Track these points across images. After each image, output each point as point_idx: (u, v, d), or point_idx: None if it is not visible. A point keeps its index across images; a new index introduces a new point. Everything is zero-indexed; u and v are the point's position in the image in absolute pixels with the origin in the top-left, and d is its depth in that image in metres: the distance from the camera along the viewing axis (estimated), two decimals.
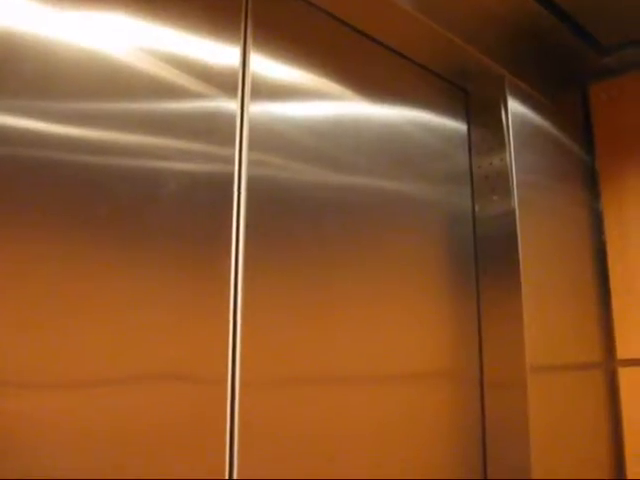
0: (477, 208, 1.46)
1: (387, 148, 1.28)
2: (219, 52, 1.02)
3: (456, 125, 1.49)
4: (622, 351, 1.58)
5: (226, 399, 0.93)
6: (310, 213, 1.11)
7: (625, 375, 1.57)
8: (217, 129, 1.00)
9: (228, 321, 0.96)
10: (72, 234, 0.81)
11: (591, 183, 1.68)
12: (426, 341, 1.28)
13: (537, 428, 1.31)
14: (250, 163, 1.03)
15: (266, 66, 1.09)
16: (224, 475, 0.91)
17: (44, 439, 0.76)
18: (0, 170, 0.76)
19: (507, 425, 1.33)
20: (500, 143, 1.44)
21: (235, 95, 1.03)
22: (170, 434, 0.87)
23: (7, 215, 0.76)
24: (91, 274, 0.82)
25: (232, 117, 1.02)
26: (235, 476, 0.92)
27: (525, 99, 1.51)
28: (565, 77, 1.68)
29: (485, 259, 1.42)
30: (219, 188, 0.98)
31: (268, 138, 1.07)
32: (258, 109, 1.06)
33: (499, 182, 1.42)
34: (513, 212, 1.39)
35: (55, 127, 0.82)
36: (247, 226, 1.00)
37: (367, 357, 1.15)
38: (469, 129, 1.51)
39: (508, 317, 1.36)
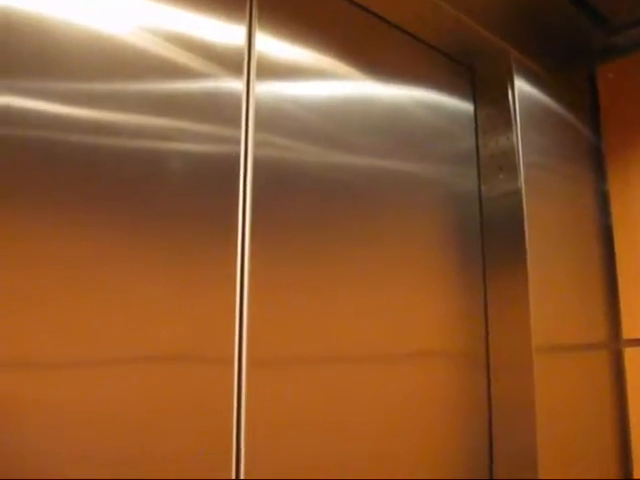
0: (483, 187, 1.46)
1: (393, 127, 1.28)
2: (224, 31, 1.02)
3: (462, 104, 1.48)
4: (628, 331, 1.58)
5: (233, 379, 0.94)
6: (316, 193, 1.11)
7: (631, 355, 1.56)
8: (223, 109, 0.99)
9: (235, 301, 0.96)
10: (77, 215, 0.81)
11: (597, 163, 1.67)
12: (432, 322, 1.28)
13: (543, 408, 1.31)
14: (256, 143, 1.03)
15: (272, 45, 1.08)
16: (231, 454, 0.92)
17: (49, 419, 0.76)
18: (2, 151, 0.76)
19: (513, 405, 1.33)
20: (506, 122, 1.43)
21: (241, 75, 1.03)
22: (177, 414, 0.87)
23: (11, 196, 0.76)
24: (97, 255, 0.82)
25: (238, 97, 1.02)
26: (242, 455, 0.93)
27: (532, 78, 1.49)
28: (572, 56, 1.67)
29: (491, 239, 1.42)
30: (225, 168, 0.98)
31: (274, 118, 1.06)
32: (264, 89, 1.06)
33: (505, 161, 1.42)
34: (519, 191, 1.38)
35: (58, 107, 0.81)
36: (253, 206, 1.00)
37: (373, 337, 1.16)
38: (475, 108, 1.50)
39: (514, 298, 1.36)
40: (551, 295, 1.40)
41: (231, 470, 0.92)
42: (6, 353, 0.74)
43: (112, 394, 0.81)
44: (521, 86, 1.45)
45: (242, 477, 0.92)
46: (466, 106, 1.49)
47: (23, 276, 0.76)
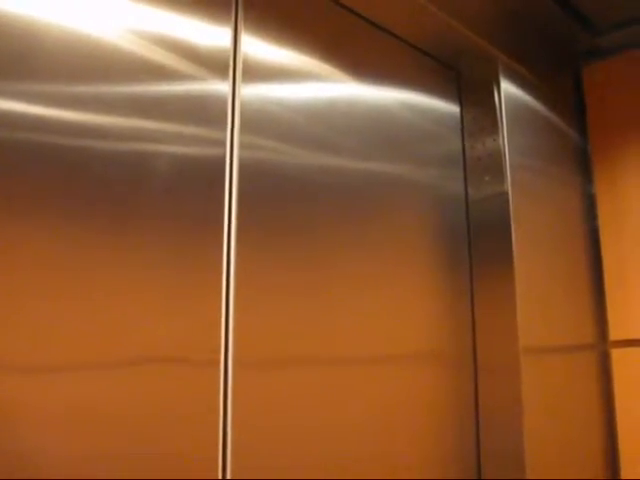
0: (470, 190, 1.46)
1: (379, 129, 1.28)
2: (210, 33, 1.01)
3: (448, 106, 1.48)
4: (615, 332, 1.58)
5: (219, 381, 0.94)
6: (302, 195, 1.11)
7: (618, 356, 1.57)
8: (208, 111, 0.99)
9: (221, 304, 0.96)
10: (61, 218, 0.81)
11: (584, 165, 1.68)
12: (419, 323, 1.29)
13: (531, 409, 1.31)
14: (242, 145, 1.02)
15: (257, 47, 1.08)
16: (217, 457, 0.92)
17: (35, 423, 0.76)
18: None
19: (501, 406, 1.34)
20: (492, 124, 1.43)
21: (226, 77, 1.02)
22: (164, 416, 0.87)
23: None
24: (81, 258, 0.82)
25: (223, 99, 1.01)
26: (228, 458, 0.93)
27: (518, 80, 1.50)
28: (558, 58, 1.68)
29: (478, 241, 1.43)
30: (211, 170, 0.98)
31: (260, 120, 1.06)
32: (249, 91, 1.05)
33: (491, 163, 1.42)
34: (506, 193, 1.39)
35: (44, 110, 0.81)
36: (239, 208, 1.00)
37: (359, 339, 1.16)
38: (461, 110, 1.51)
39: (501, 299, 1.36)
40: (538, 297, 1.41)
41: (217, 470, 0.91)
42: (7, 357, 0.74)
43: (98, 396, 0.81)
44: (507, 88, 1.46)
45: (228, 477, 0.92)
46: (452, 108, 1.49)
47: (8, 280, 0.75)
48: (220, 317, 0.95)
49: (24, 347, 0.76)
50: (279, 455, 1.00)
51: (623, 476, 1.52)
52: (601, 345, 1.59)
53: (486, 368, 1.38)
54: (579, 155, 1.68)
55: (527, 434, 1.29)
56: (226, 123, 1.01)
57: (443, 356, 1.33)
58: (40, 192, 0.79)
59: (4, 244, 0.76)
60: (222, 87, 1.01)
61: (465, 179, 1.47)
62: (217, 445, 0.92)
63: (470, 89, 1.50)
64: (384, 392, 1.18)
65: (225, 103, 1.02)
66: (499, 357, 1.35)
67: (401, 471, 1.19)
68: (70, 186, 0.82)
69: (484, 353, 1.38)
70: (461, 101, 1.51)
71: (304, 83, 1.15)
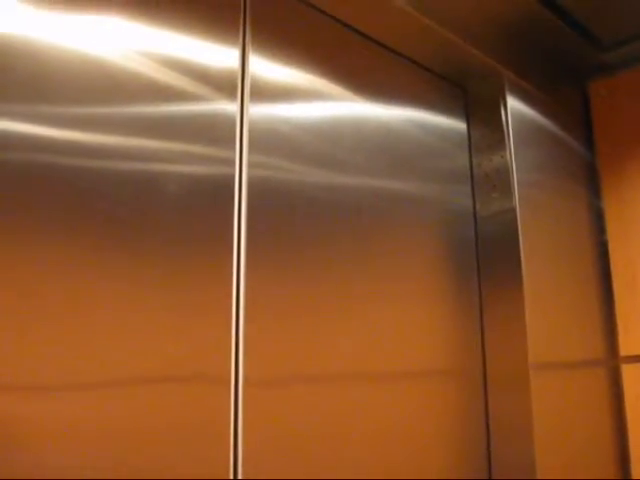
0: (478, 206, 1.47)
1: (386, 147, 1.29)
2: (218, 54, 1.03)
3: (455, 123, 1.49)
4: (625, 348, 1.58)
5: (230, 398, 0.94)
6: (311, 213, 1.11)
7: (628, 372, 1.56)
8: (217, 131, 1.00)
9: (231, 321, 0.96)
10: (72, 238, 0.82)
11: (592, 180, 1.68)
12: (428, 340, 1.28)
13: (541, 425, 1.31)
14: (250, 164, 1.03)
15: (265, 67, 1.10)
16: (228, 475, 0.92)
17: (45, 441, 0.76)
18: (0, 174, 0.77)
19: (511, 422, 1.33)
20: (500, 141, 1.44)
21: (235, 97, 1.03)
22: (174, 434, 0.87)
23: (7, 220, 0.77)
24: (93, 277, 0.83)
25: (232, 119, 1.02)
26: (240, 476, 0.93)
27: (524, 96, 1.51)
28: (564, 74, 1.68)
29: (487, 257, 1.43)
30: (220, 189, 0.99)
31: (268, 139, 1.07)
32: (258, 110, 1.06)
33: (499, 180, 1.43)
34: (514, 210, 1.39)
35: (52, 131, 0.82)
36: (248, 227, 1.01)
37: (369, 356, 1.16)
38: (468, 127, 1.51)
39: (510, 315, 1.36)
40: (547, 312, 1.41)
41: None
42: (8, 375, 0.74)
43: (109, 414, 0.81)
44: (514, 105, 1.47)
45: None
46: (459, 125, 1.50)
47: (22, 300, 0.76)
48: (230, 334, 0.96)
49: (36, 367, 0.76)
50: (290, 474, 1.00)
51: None
52: (611, 361, 1.58)
53: (496, 384, 1.37)
54: (587, 169, 1.68)
55: (538, 450, 1.28)
56: (235, 142, 1.02)
57: (453, 372, 1.33)
58: (47, 212, 0.80)
59: (10, 261, 0.76)
60: (231, 107, 1.02)
61: (473, 196, 1.47)
62: (228, 463, 0.92)
63: (477, 106, 1.51)
64: (395, 408, 1.18)
65: (234, 123, 1.03)
66: (509, 373, 1.35)
67: None
68: (78, 205, 0.83)
69: (494, 369, 1.38)
70: (468, 118, 1.52)
71: (312, 102, 1.16)
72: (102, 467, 0.80)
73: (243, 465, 0.93)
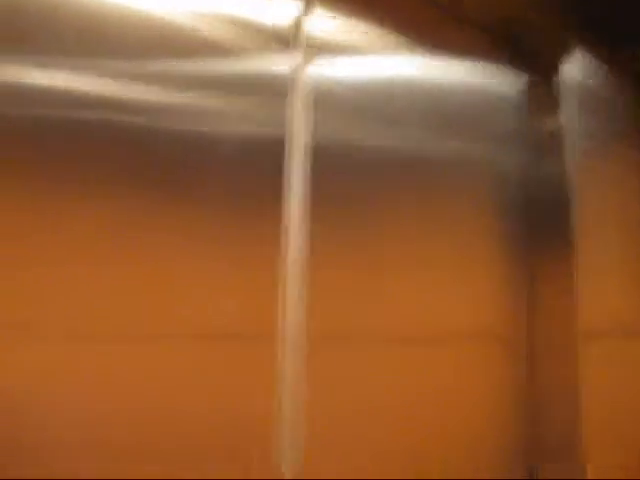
0: (530, 169, 1.44)
1: (440, 107, 1.27)
2: (275, 10, 1.02)
3: (511, 84, 1.46)
4: None
5: (277, 356, 0.95)
6: (366, 170, 1.11)
7: None
8: (272, 89, 0.99)
9: (279, 280, 0.97)
10: (129, 193, 0.83)
11: None
12: (477, 302, 1.27)
13: (587, 395, 1.29)
14: (305, 122, 1.03)
15: (323, 23, 1.08)
16: (271, 429, 0.93)
17: (100, 388, 0.78)
18: (54, 131, 0.78)
19: (556, 391, 1.32)
20: (555, 103, 1.41)
21: (291, 54, 1.02)
22: (218, 392, 0.88)
23: (59, 176, 0.78)
24: (146, 230, 0.84)
25: (288, 77, 1.02)
26: (285, 437, 0.94)
27: (583, 60, 1.47)
28: (624, 39, 1.63)
29: (537, 221, 1.40)
30: (274, 147, 0.99)
31: (323, 97, 1.06)
32: (314, 69, 1.05)
33: (553, 143, 1.40)
34: (567, 173, 1.36)
35: (105, 88, 0.82)
36: (303, 185, 1.01)
37: (419, 319, 1.16)
38: (524, 89, 1.48)
39: (560, 280, 1.34)
40: (598, 279, 1.38)
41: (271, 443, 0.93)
42: (66, 326, 0.76)
43: (158, 368, 0.83)
44: (571, 68, 1.43)
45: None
46: (515, 87, 1.47)
47: (80, 257, 0.78)
48: (277, 294, 0.96)
49: (93, 319, 0.78)
50: (333, 437, 1.01)
51: None
52: None
53: (543, 353, 1.36)
54: None
55: (583, 419, 1.27)
56: (290, 99, 1.02)
57: (501, 338, 1.32)
58: (107, 165, 0.81)
59: (74, 215, 0.78)
60: (287, 64, 1.02)
61: (526, 158, 1.45)
62: (272, 419, 0.93)
63: (533, 68, 1.48)
64: (444, 371, 1.18)
65: (289, 81, 1.02)
66: (556, 342, 1.33)
67: (455, 450, 1.18)
68: (136, 162, 0.84)
69: (542, 336, 1.36)
70: (524, 80, 1.49)
71: (368, 58, 1.15)
72: (169, 410, 0.82)
73: (286, 421, 0.94)
